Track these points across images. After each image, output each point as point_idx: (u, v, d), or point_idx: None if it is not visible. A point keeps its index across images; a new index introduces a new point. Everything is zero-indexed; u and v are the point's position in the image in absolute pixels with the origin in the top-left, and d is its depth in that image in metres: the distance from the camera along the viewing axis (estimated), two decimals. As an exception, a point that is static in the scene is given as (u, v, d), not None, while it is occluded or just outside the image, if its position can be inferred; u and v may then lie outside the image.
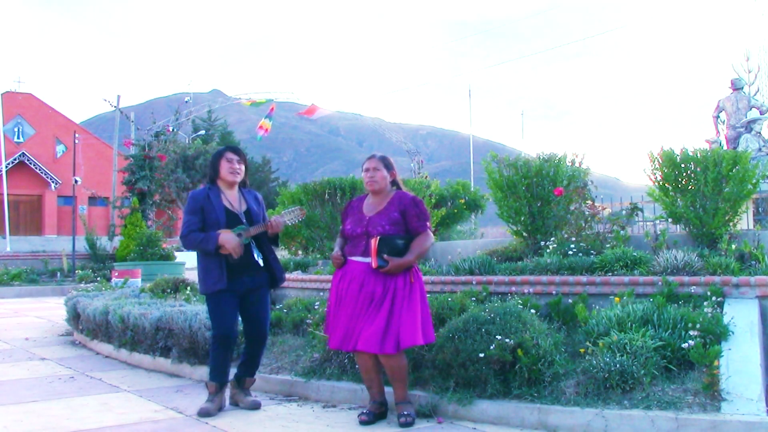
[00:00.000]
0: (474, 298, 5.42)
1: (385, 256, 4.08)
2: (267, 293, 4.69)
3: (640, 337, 4.12)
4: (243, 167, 4.66)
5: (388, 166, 4.39)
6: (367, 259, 4.17)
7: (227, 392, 4.68)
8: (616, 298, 4.91)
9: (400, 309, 4.06)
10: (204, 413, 4.38)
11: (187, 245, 4.49)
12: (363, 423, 4.14)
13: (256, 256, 4.54)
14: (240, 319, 4.64)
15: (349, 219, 4.40)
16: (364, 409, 4.28)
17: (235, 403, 4.67)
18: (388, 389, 4.30)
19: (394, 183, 4.42)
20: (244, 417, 4.39)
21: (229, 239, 4.35)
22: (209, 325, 4.90)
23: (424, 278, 5.07)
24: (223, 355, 4.50)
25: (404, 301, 4.09)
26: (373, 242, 4.12)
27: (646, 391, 3.86)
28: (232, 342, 4.53)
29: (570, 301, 5.16)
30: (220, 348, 4.49)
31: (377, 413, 4.22)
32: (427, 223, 4.28)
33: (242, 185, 4.74)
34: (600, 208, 6.93)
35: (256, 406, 4.61)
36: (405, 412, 4.10)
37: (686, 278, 4.94)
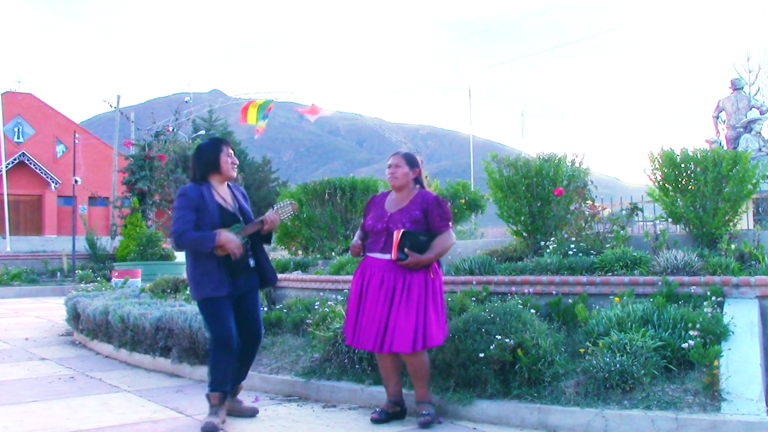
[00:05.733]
0: (474, 298, 5.42)
1: (406, 250, 4.05)
2: (258, 294, 4.52)
3: (640, 337, 4.12)
4: None
5: (411, 164, 4.33)
6: (387, 256, 4.13)
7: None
8: (616, 298, 4.91)
9: (425, 306, 4.04)
10: (211, 428, 3.99)
11: (181, 244, 4.10)
12: (375, 421, 4.07)
13: (249, 256, 4.33)
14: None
15: (371, 214, 4.36)
16: (377, 408, 4.20)
17: (229, 412, 4.36)
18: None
19: (417, 181, 4.37)
20: (244, 417, 4.37)
21: (231, 239, 4.05)
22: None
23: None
24: (226, 362, 4.18)
25: (428, 298, 4.08)
26: (396, 234, 4.07)
27: (646, 391, 3.86)
28: (234, 347, 4.18)
29: (570, 301, 5.16)
30: (223, 354, 4.16)
31: (391, 413, 4.17)
32: (450, 223, 4.26)
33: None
34: (600, 208, 6.93)
35: (254, 413, 4.41)
36: (424, 412, 4.06)
37: (686, 278, 4.94)
